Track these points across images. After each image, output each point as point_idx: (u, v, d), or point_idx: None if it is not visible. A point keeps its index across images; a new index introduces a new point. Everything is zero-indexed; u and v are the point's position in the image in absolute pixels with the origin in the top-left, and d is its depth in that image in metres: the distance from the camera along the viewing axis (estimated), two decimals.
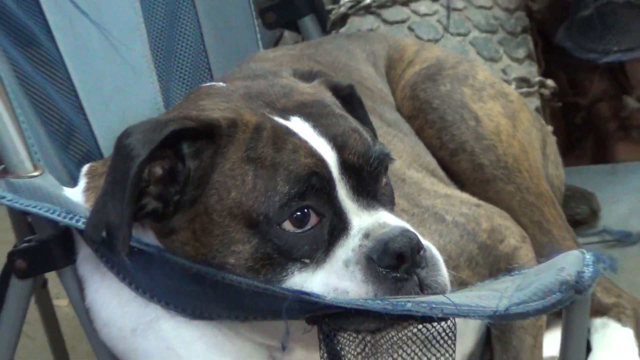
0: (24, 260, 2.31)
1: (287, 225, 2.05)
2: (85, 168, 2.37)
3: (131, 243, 2.09)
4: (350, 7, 3.51)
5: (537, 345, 2.35)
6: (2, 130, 2.29)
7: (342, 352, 2.03)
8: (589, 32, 3.56)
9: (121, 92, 2.57)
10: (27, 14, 2.42)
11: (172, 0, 2.75)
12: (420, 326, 2.00)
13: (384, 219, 2.10)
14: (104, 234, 2.07)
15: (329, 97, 2.25)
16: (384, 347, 2.06)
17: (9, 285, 2.36)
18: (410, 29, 3.48)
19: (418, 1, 3.51)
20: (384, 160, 2.15)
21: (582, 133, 3.90)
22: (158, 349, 2.22)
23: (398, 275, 2.03)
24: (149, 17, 2.68)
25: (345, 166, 2.10)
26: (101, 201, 2.08)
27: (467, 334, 2.36)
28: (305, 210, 2.06)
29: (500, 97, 2.68)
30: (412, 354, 2.06)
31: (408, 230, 2.06)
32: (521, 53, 3.55)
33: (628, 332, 2.50)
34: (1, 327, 2.39)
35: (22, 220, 2.39)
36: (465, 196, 2.52)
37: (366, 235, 2.07)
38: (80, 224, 2.18)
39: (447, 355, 2.03)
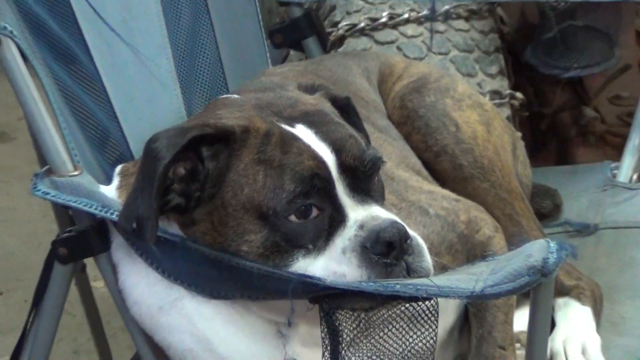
0: (66, 248, 2.30)
1: (293, 218, 2.05)
2: (118, 168, 2.36)
3: (158, 233, 2.08)
4: (347, 30, 3.50)
5: (508, 321, 2.34)
6: (46, 136, 2.28)
7: (340, 327, 2.02)
8: (553, 51, 3.56)
9: (150, 102, 2.56)
10: (69, 35, 2.41)
11: (193, 24, 2.75)
12: (407, 305, 2.00)
13: (376, 213, 2.09)
14: (134, 225, 2.07)
15: (328, 107, 2.25)
16: (376, 323, 2.05)
17: (53, 270, 2.35)
18: (399, 48, 3.47)
19: (405, 25, 3.51)
20: (376, 162, 2.14)
21: (547, 138, 3.90)
22: (181, 324, 2.21)
23: (388, 261, 2.02)
24: (173, 39, 2.68)
25: (343, 167, 2.09)
26: (132, 197, 2.08)
27: (449, 311, 2.35)
28: (309, 205, 2.06)
29: (477, 107, 2.67)
30: (401, 329, 2.05)
31: (397, 222, 2.06)
32: (494, 69, 3.54)
33: (587, 310, 2.49)
34: (46, 305, 2.38)
35: (64, 213, 2.39)
36: (446, 192, 2.51)
37: (361, 227, 2.06)
38: (114, 217, 2.17)
39: (430, 330, 2.03)
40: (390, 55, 3.08)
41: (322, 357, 2.04)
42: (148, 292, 2.23)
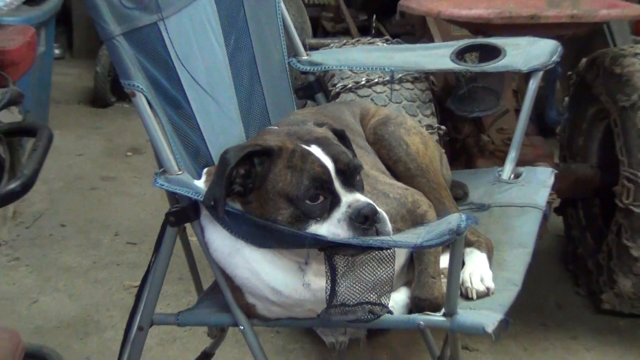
0: (174, 217, 2.27)
1: (307, 201, 2.04)
2: (205, 170, 2.33)
3: (227, 208, 2.08)
4: (341, 89, 3.49)
5: (437, 262, 2.32)
6: (162, 150, 2.26)
7: (336, 265, 2.01)
8: (463, 101, 3.54)
9: (224, 132, 2.53)
10: (175, 90, 2.38)
11: (250, 84, 2.73)
12: (376, 252, 1.99)
13: (358, 197, 2.08)
14: (212, 203, 2.06)
15: (331, 135, 2.23)
16: (358, 263, 2.04)
17: (166, 230, 2.33)
18: (372, 99, 3.46)
19: (376, 85, 3.49)
20: (357, 167, 2.14)
21: (459, 154, 3.88)
22: (242, 263, 2.19)
23: (365, 227, 2.02)
24: (238, 93, 2.64)
25: (338, 171, 2.09)
26: (211, 186, 2.09)
27: (401, 255, 2.33)
28: (317, 194, 2.05)
29: (419, 134, 2.66)
30: (372, 266, 2.03)
31: (370, 204, 2.05)
32: (428, 112, 3.52)
33: (484, 256, 2.44)
34: (162, 251, 2.36)
35: (173, 197, 2.37)
36: (400, 184, 2.49)
37: (349, 206, 2.05)
38: (201, 199, 2.15)
39: (390, 267, 2.02)
40: (367, 103, 3.06)
41: (325, 284, 2.02)
42: (222, 243, 2.20)
